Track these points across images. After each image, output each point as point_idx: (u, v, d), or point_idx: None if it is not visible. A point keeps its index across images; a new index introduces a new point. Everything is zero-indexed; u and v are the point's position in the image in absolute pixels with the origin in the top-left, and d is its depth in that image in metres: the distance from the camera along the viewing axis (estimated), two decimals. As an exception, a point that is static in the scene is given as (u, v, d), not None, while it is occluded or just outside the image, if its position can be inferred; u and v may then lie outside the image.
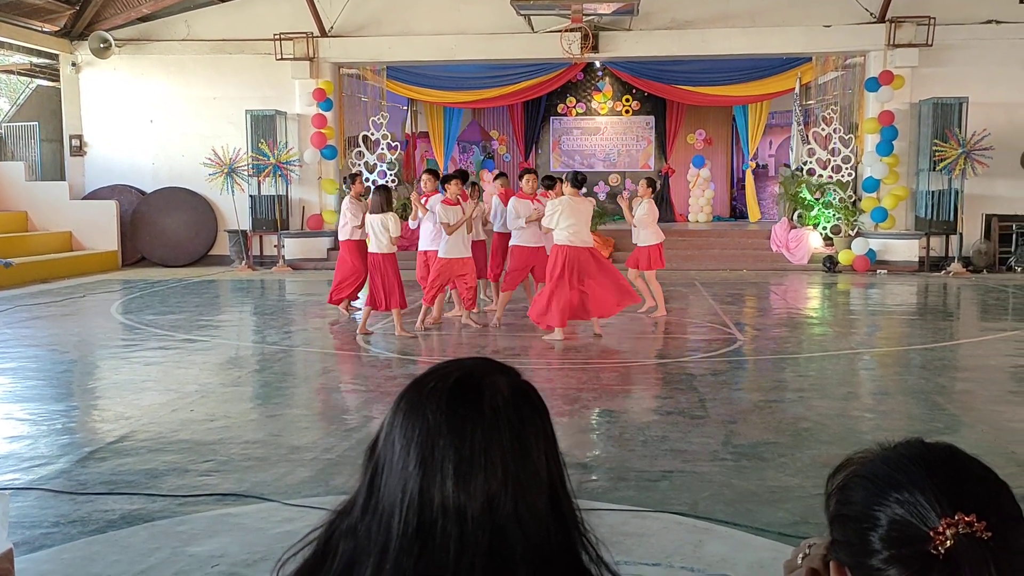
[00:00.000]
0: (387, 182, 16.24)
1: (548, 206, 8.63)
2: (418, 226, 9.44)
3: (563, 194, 8.64)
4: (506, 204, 9.80)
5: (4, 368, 7.57)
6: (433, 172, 10.03)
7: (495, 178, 11.46)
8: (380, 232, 8.75)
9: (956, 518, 0.88)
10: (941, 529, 0.88)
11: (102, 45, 16.20)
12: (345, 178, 9.77)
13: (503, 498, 0.97)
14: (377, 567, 0.97)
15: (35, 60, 17.72)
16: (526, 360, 7.78)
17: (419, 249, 9.58)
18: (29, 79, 18.95)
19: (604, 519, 3.92)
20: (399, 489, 0.98)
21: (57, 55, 16.99)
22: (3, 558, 1.98)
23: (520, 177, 9.79)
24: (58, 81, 17.48)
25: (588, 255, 8.57)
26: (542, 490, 1.00)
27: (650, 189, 9.99)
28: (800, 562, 1.10)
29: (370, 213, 8.89)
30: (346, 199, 10.20)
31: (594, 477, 4.58)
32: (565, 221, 8.40)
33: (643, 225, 9.85)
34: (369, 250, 9.11)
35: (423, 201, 9.35)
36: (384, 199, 8.86)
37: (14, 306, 11.22)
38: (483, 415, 0.99)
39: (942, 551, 0.87)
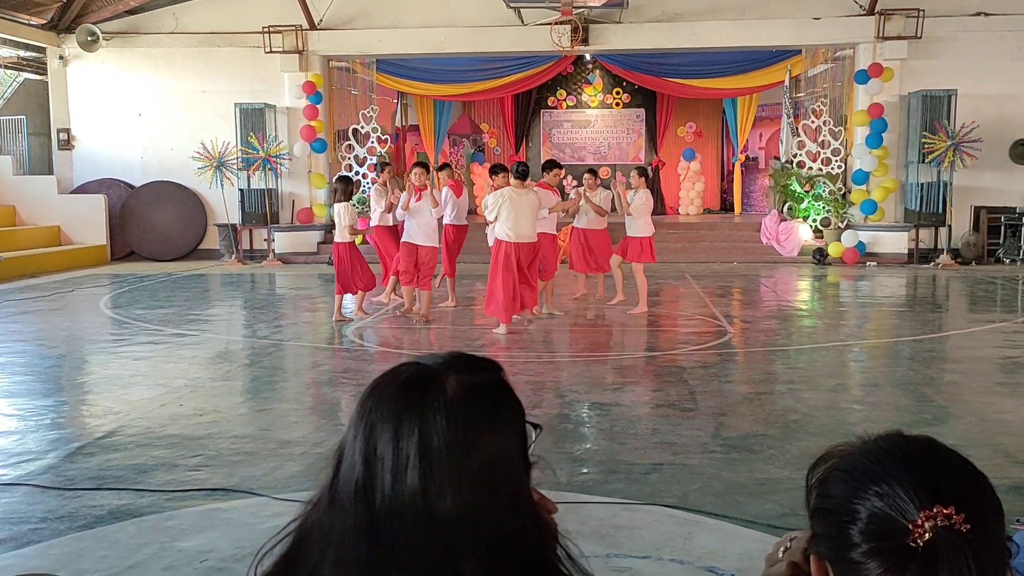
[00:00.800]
0: (377, 175, 16.21)
1: (489, 198, 8.60)
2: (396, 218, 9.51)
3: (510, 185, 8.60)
4: (459, 196, 10.44)
5: (-8, 363, 7.53)
6: (423, 165, 10.01)
7: (439, 168, 11.46)
8: (339, 221, 9.04)
9: (935, 511, 0.88)
10: (920, 522, 0.88)
11: (89, 38, 16.10)
12: (376, 165, 10.08)
13: (441, 498, 0.96)
14: (335, 561, 0.98)
15: (22, 54, 17.58)
16: (516, 353, 7.78)
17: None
18: (16, 73, 18.81)
19: (594, 512, 3.93)
20: (351, 484, 1.00)
21: (44, 48, 16.86)
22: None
23: (545, 169, 9.93)
24: (45, 75, 17.37)
25: (530, 250, 8.52)
26: (486, 491, 0.98)
27: (643, 179, 9.93)
28: (781, 556, 1.10)
29: (334, 202, 9.10)
30: (374, 186, 10.48)
31: (584, 470, 4.58)
32: (504, 214, 8.36)
33: (638, 215, 9.73)
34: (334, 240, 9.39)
35: (417, 195, 9.33)
36: (342, 189, 9.06)
37: (2, 301, 11.16)
38: (423, 415, 0.99)
39: (921, 544, 0.87)
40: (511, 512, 0.99)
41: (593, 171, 10.50)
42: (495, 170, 9.28)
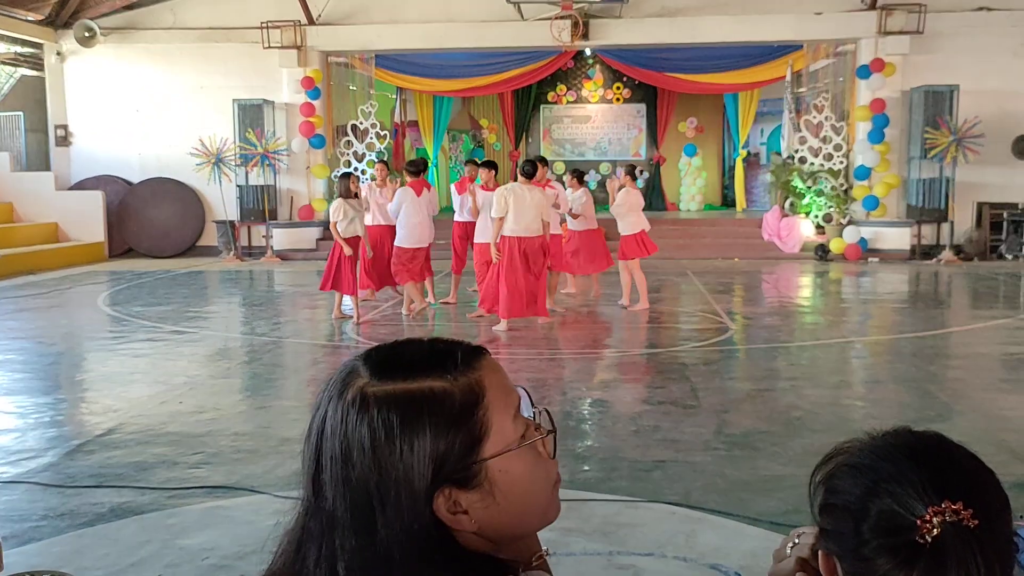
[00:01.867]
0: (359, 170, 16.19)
1: (496, 194, 8.59)
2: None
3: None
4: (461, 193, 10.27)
5: (-9, 360, 7.51)
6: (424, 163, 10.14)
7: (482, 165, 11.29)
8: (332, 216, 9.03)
9: (943, 506, 0.88)
10: (928, 518, 0.88)
11: (87, 34, 16.04)
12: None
13: (340, 499, 0.93)
14: (316, 559, 0.95)
15: (19, 49, 17.53)
16: (517, 351, 7.75)
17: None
18: (13, 69, 18.76)
19: (597, 510, 3.91)
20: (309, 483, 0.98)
21: (42, 44, 16.80)
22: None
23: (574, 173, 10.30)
24: (43, 70, 17.30)
25: (535, 245, 8.45)
26: (360, 498, 0.92)
27: (628, 177, 9.81)
28: (789, 552, 1.09)
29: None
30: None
31: (587, 467, 4.56)
32: (510, 209, 8.37)
33: (620, 214, 9.64)
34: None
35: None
36: (344, 186, 9.02)
37: (0, 298, 11.13)
38: (325, 413, 0.96)
39: (929, 540, 0.87)
40: (380, 525, 0.92)
41: (578, 172, 10.45)
42: (486, 165, 9.44)
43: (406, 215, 9.23)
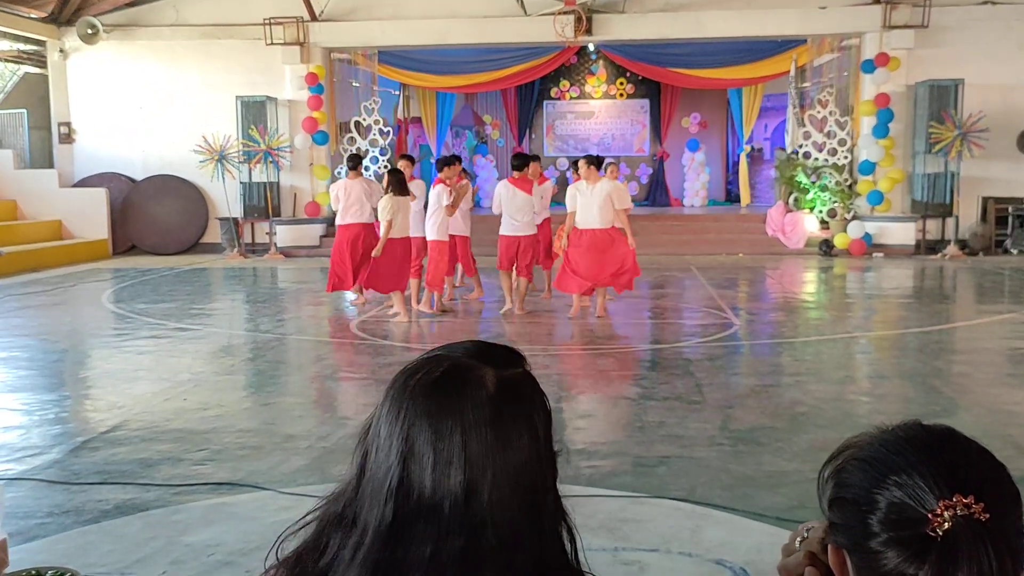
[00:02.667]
0: (379, 167, 16.20)
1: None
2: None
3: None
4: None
5: (-5, 358, 7.51)
6: (409, 158, 10.05)
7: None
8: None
9: (954, 500, 0.88)
10: (939, 511, 0.88)
11: (90, 31, 16.05)
12: (440, 159, 9.84)
13: (480, 497, 0.95)
14: (351, 559, 0.96)
15: (22, 47, 17.53)
16: (521, 347, 7.73)
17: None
18: (16, 66, 18.76)
19: (601, 505, 3.91)
20: (380, 481, 0.97)
21: (44, 41, 16.82)
22: (-6, 550, 1.95)
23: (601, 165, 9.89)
24: (46, 68, 17.31)
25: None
26: (520, 490, 0.97)
27: (592, 167, 9.10)
28: (798, 545, 1.09)
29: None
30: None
31: (591, 463, 4.55)
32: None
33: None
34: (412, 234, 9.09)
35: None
36: (396, 181, 8.82)
37: (4, 296, 11.15)
38: (463, 412, 0.97)
39: (940, 533, 0.87)
40: (540, 512, 0.97)
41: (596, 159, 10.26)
42: (448, 162, 9.35)
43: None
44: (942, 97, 14.65)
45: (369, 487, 0.98)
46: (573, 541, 1.02)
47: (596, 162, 9.26)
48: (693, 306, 10.02)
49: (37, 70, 18.25)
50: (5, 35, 16.43)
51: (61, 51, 16.70)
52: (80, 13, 16.15)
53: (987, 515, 0.88)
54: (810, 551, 1.06)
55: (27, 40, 16.98)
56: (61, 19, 16.32)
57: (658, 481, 4.27)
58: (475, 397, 0.98)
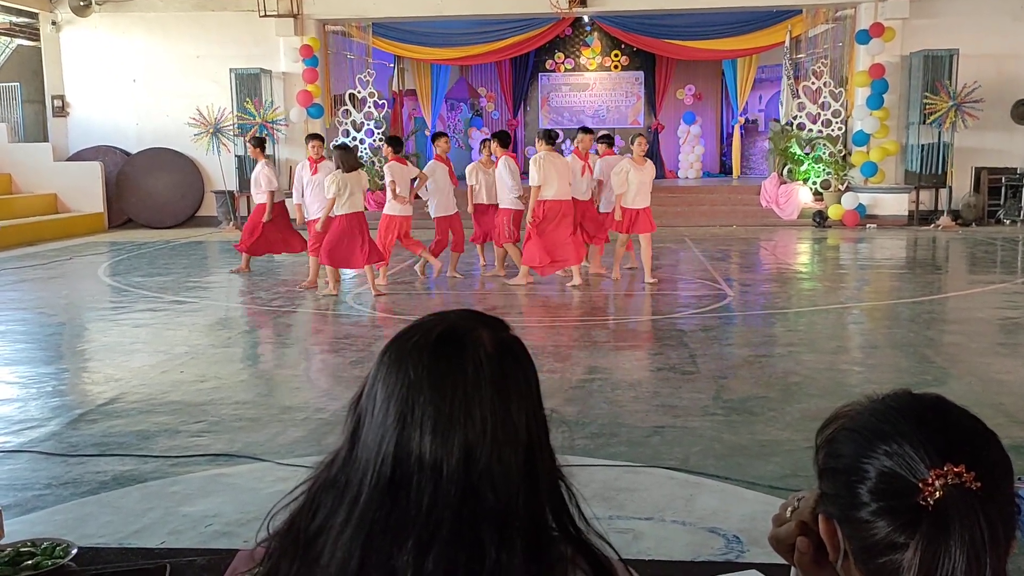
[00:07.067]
0: (375, 140, 16.17)
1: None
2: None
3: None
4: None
5: (-8, 332, 7.53)
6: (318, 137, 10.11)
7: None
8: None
9: (945, 469, 0.87)
10: (930, 480, 0.87)
11: (82, 3, 15.91)
12: (486, 140, 9.89)
13: (479, 455, 0.96)
14: (346, 519, 0.97)
15: (14, 19, 17.39)
16: (515, 318, 7.77)
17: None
18: (9, 39, 18.61)
19: (596, 475, 3.95)
20: (376, 443, 0.98)
21: (37, 14, 16.68)
22: (-8, 521, 1.98)
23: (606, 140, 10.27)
24: (39, 41, 17.19)
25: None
26: (519, 448, 0.99)
27: (549, 145, 9.30)
28: (789, 515, 1.09)
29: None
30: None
31: (586, 433, 4.59)
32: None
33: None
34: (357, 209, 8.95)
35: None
36: (349, 160, 8.77)
37: (1, 269, 11.14)
38: (464, 371, 0.98)
39: (931, 502, 0.86)
40: (531, 471, 0.99)
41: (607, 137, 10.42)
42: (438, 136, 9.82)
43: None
44: (936, 68, 14.61)
45: (363, 451, 0.99)
46: (572, 496, 1.04)
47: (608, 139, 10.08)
48: (687, 277, 10.05)
49: (30, 43, 18.11)
50: (-3, 8, 16.29)
51: (54, 23, 16.56)
52: (71, -15, 16.00)
53: (978, 484, 0.87)
54: (801, 520, 1.05)
55: (19, 12, 16.83)
56: (52, -9, 16.17)
57: (652, 451, 4.32)
58: (475, 356, 0.99)
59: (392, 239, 9.35)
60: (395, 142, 9.52)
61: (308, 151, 9.85)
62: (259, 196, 10.43)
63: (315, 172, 9.45)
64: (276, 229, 10.44)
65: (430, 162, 9.87)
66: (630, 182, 9.06)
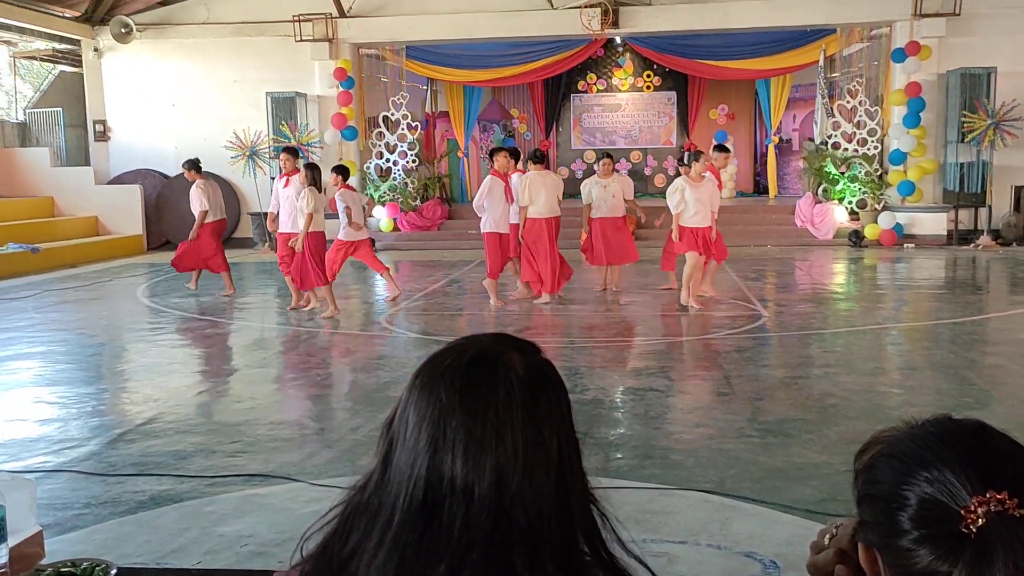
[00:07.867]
0: (408, 162, 16.30)
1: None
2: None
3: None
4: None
5: (34, 352, 7.66)
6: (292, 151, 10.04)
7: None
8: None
9: (988, 496, 0.85)
10: (972, 507, 0.85)
11: (123, 30, 16.26)
12: (532, 153, 9.96)
13: (511, 478, 0.96)
14: (378, 543, 0.97)
15: (57, 46, 17.81)
16: (548, 339, 7.76)
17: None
18: (52, 65, 19.05)
19: (630, 497, 3.92)
20: (408, 466, 0.99)
21: (79, 40, 17.07)
22: (32, 541, 2.00)
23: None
24: (81, 67, 17.58)
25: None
26: (551, 471, 0.99)
27: (537, 164, 9.55)
28: (827, 543, 1.07)
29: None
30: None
31: (620, 455, 4.57)
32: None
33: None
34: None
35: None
36: (315, 177, 8.91)
37: (42, 291, 11.34)
38: (496, 395, 0.99)
39: (974, 530, 0.85)
40: (563, 494, 0.99)
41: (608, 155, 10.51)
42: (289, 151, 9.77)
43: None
44: (974, 86, 14.45)
45: (396, 474, 0.99)
46: (605, 519, 1.03)
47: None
48: (721, 298, 9.98)
49: (72, 69, 18.52)
50: (41, 35, 16.68)
51: (96, 50, 16.93)
52: (113, 12, 16.38)
53: (1022, 511, 0.85)
54: (840, 548, 1.04)
55: (62, 39, 17.23)
56: (95, 19, 16.55)
57: (687, 473, 4.28)
58: (507, 380, 1.00)
59: (340, 264, 9.31)
60: (342, 170, 9.37)
61: (281, 164, 9.85)
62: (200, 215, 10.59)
63: (287, 185, 9.42)
64: (209, 247, 10.67)
65: (487, 177, 9.77)
66: (687, 200, 8.99)
